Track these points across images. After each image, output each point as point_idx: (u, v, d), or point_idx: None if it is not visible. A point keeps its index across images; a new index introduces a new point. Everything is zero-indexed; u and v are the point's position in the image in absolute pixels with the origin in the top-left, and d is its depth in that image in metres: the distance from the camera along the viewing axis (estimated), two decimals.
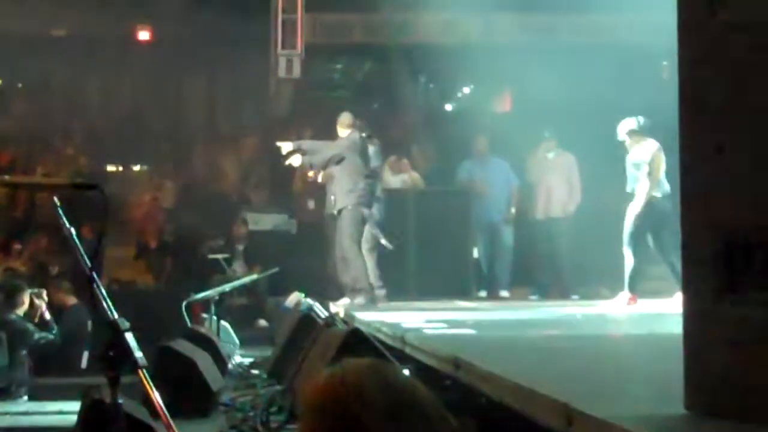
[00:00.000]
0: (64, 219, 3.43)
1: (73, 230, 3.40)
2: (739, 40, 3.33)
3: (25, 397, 11.60)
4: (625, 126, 11.38)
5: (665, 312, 9.05)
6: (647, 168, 11.19)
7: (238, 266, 15.06)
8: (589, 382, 4.74)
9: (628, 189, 11.34)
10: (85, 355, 13.19)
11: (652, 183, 11.12)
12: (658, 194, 11.12)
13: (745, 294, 3.23)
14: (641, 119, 11.33)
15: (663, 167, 11.17)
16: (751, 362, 3.20)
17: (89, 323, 12.94)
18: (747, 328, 3.21)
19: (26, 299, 12.07)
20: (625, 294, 11.11)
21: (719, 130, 3.38)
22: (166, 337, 9.01)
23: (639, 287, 11.23)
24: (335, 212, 11.75)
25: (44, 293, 12.35)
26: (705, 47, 3.45)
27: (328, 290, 13.33)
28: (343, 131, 11.85)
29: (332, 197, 11.86)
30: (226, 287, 12.51)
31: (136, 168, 19.83)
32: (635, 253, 11.13)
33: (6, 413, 10.05)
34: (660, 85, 11.71)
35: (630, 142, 11.35)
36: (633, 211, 11.21)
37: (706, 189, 3.41)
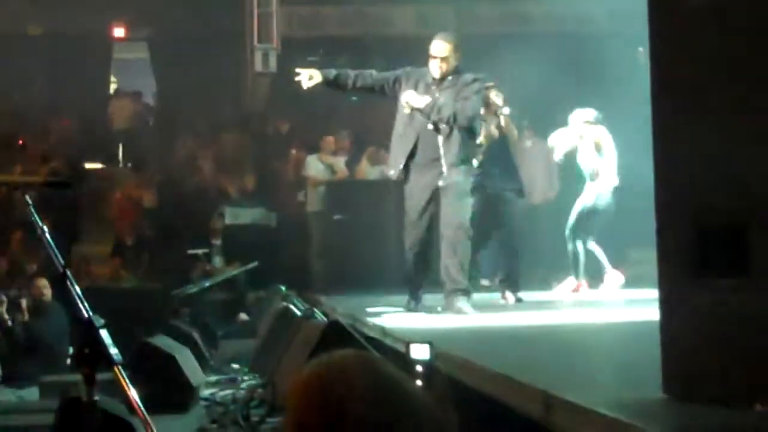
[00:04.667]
0: (36, 217, 3.40)
1: (45, 228, 3.37)
2: (711, 20, 3.34)
3: None
4: (582, 116, 11.34)
5: (641, 298, 9.07)
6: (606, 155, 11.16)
7: (217, 261, 15.02)
8: (566, 368, 4.75)
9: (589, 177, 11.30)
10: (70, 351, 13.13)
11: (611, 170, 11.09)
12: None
13: (717, 279, 3.24)
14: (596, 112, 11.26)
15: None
16: (724, 347, 3.22)
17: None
18: (720, 313, 3.23)
19: None
20: (571, 281, 11.17)
21: (692, 113, 3.39)
22: (146, 333, 9.00)
23: (586, 273, 11.25)
24: None
25: None
26: (676, 28, 3.46)
27: (309, 283, 13.32)
28: None
29: None
30: (206, 283, 12.49)
31: (114, 165, 19.74)
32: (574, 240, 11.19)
33: None
34: (637, 72, 11.71)
35: (584, 131, 11.26)
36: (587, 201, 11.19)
37: (680, 174, 3.42)
